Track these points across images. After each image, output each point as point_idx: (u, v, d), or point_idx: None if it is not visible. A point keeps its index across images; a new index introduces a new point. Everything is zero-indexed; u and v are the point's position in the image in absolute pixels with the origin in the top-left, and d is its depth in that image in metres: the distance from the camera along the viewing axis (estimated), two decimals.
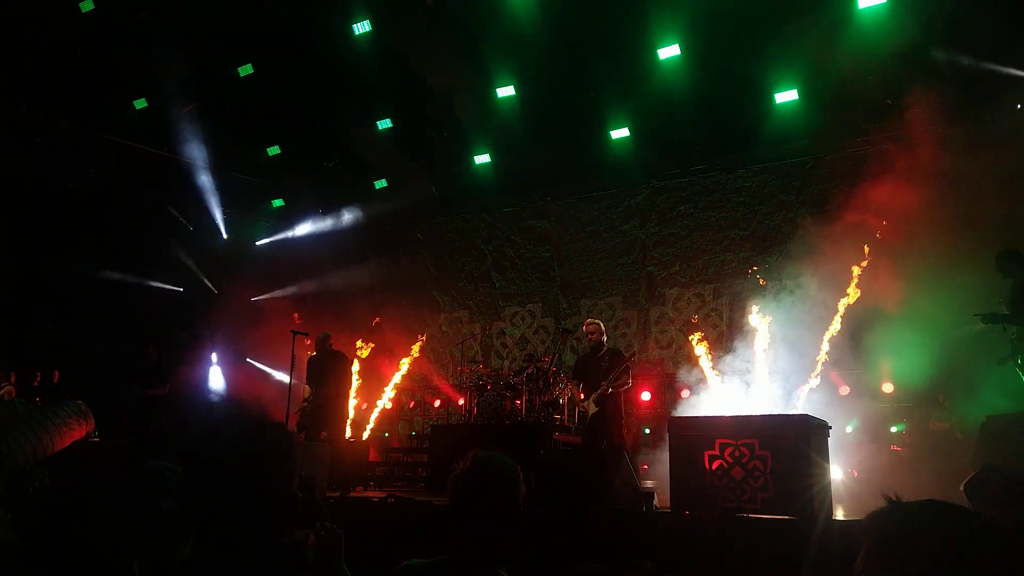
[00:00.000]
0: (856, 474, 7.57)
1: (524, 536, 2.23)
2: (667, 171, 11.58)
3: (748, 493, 5.04)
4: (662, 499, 5.65)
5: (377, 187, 13.10)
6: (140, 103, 11.27)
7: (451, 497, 2.17)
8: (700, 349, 9.27)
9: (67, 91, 10.72)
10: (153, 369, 10.27)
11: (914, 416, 8.81)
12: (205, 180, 12.85)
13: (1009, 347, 6.48)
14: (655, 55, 9.41)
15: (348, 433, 10.54)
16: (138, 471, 2.15)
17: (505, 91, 10.36)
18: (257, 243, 14.62)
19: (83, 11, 9.71)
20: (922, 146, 8.55)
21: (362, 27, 9.71)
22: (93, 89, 10.85)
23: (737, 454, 5.15)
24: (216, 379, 13.54)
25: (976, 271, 7.11)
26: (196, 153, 12.08)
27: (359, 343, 11.94)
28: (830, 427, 5.51)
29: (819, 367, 8.41)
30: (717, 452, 5.22)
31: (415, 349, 11.87)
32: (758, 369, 8.39)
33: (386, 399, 12.08)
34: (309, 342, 10.15)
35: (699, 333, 9.24)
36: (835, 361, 8.62)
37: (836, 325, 8.35)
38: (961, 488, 2.95)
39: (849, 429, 8.02)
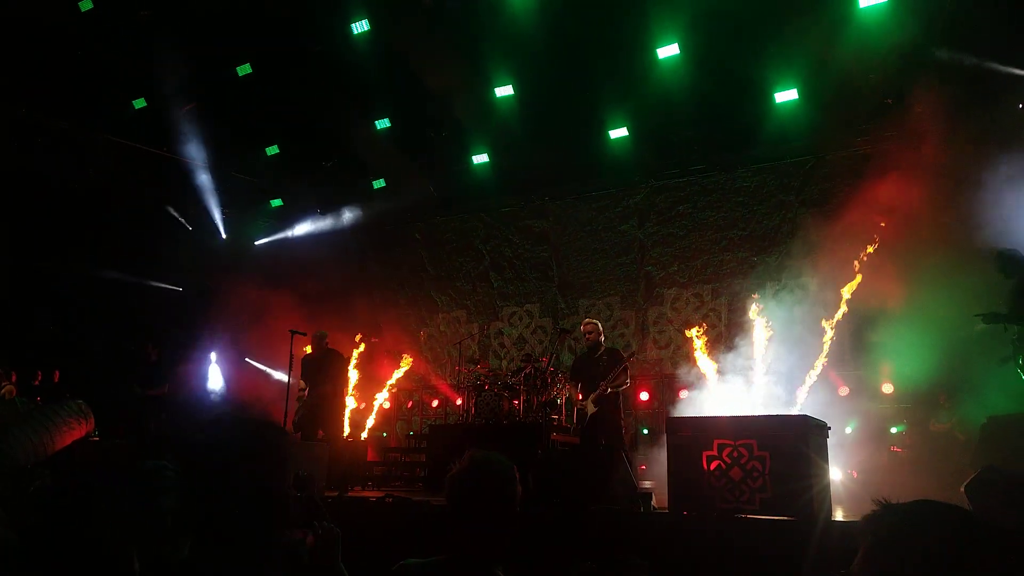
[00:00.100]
0: (856, 475, 7.56)
1: (522, 536, 2.23)
2: (666, 171, 11.58)
3: (746, 494, 5.04)
4: (660, 499, 5.64)
5: (376, 187, 13.08)
6: (139, 103, 11.29)
7: (448, 497, 2.17)
8: (699, 347, 9.24)
9: (67, 91, 10.73)
10: (153, 369, 10.28)
11: (914, 417, 8.80)
12: (204, 180, 12.87)
13: (1010, 347, 6.47)
14: (654, 55, 9.41)
15: (347, 431, 10.53)
16: (137, 471, 2.15)
17: (504, 91, 10.36)
18: (256, 243, 14.62)
19: (83, 10, 9.72)
20: (922, 146, 8.56)
21: (361, 27, 9.73)
22: (93, 89, 10.86)
23: (735, 455, 5.14)
24: (215, 379, 13.54)
25: (976, 271, 7.10)
26: (195, 153, 12.11)
27: (358, 336, 11.90)
28: (829, 428, 5.51)
29: (819, 367, 8.38)
30: (715, 453, 5.21)
31: (406, 362, 11.70)
32: (757, 369, 8.37)
33: (382, 399, 12.04)
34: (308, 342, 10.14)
35: (697, 330, 9.21)
36: (835, 361, 8.60)
37: (841, 311, 8.23)
38: (962, 489, 2.94)
39: (848, 430, 8.02)
